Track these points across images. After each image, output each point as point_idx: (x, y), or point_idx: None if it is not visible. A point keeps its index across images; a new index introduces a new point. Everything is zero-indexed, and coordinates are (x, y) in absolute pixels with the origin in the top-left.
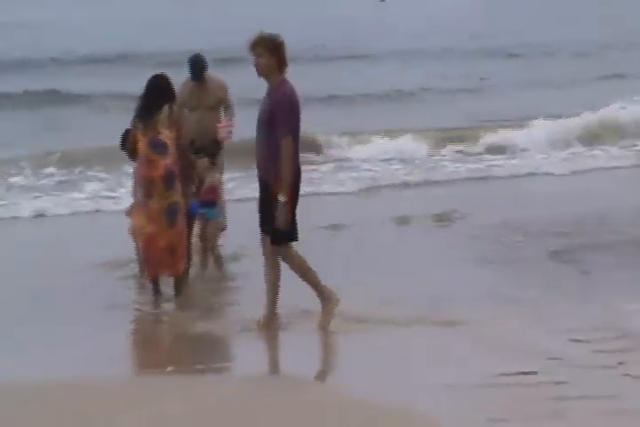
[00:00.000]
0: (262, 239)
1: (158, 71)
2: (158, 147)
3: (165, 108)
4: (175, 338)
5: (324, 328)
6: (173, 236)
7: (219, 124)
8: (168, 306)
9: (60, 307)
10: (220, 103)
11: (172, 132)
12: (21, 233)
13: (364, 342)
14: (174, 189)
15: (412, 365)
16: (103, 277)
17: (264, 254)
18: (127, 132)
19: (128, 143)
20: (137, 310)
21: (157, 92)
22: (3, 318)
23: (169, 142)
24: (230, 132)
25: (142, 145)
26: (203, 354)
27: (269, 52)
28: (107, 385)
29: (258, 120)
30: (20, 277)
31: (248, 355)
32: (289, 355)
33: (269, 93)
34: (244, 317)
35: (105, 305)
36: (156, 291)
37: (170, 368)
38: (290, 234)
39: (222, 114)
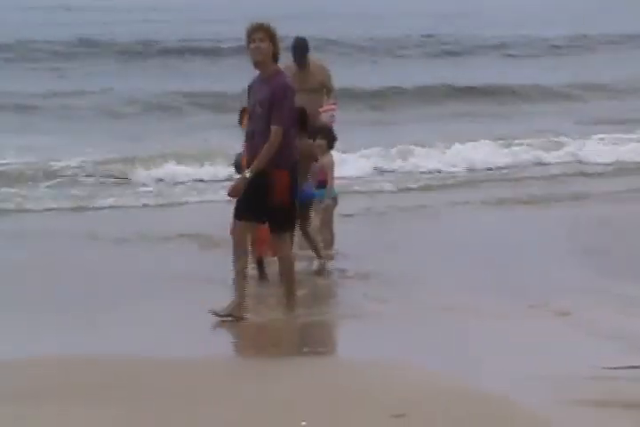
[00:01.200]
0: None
1: None
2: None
3: None
4: (279, 322)
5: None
6: None
7: (321, 109)
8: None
9: (173, 284)
10: (322, 87)
11: None
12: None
13: (464, 329)
14: None
15: (514, 354)
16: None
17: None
18: (243, 110)
19: (242, 120)
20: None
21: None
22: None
23: None
24: (333, 116)
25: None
26: (307, 338)
27: (270, 39)
28: (215, 364)
29: (253, 109)
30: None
31: (347, 340)
32: (385, 341)
33: (264, 81)
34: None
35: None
36: (261, 273)
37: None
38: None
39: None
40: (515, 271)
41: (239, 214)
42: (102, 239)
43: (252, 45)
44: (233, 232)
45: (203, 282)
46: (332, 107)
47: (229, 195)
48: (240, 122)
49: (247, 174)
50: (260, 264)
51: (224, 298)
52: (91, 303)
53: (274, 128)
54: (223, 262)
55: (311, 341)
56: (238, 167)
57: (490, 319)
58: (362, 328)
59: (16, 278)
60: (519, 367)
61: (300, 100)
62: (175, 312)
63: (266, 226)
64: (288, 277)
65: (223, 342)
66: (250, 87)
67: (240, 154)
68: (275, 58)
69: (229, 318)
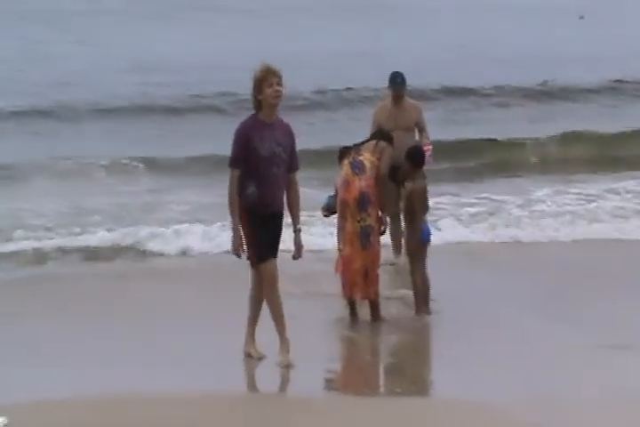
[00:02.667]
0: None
1: None
2: (357, 167)
3: (372, 141)
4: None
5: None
6: (367, 258)
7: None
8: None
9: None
10: (415, 125)
11: (373, 155)
12: None
13: (564, 370)
14: (367, 213)
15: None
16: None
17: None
18: (344, 151)
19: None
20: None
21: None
22: None
23: (368, 164)
24: (431, 156)
25: (345, 166)
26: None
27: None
28: (307, 400)
29: (273, 153)
30: None
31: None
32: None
33: (275, 126)
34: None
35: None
36: (352, 313)
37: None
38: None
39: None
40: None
41: (267, 255)
42: None
43: (271, 89)
44: (269, 272)
45: None
46: (429, 148)
47: (299, 257)
48: (340, 162)
49: (299, 227)
50: (352, 306)
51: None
52: None
53: (296, 173)
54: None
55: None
56: (329, 209)
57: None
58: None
59: None
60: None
61: (394, 138)
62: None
63: (358, 269)
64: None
65: (314, 379)
66: (253, 132)
67: (331, 197)
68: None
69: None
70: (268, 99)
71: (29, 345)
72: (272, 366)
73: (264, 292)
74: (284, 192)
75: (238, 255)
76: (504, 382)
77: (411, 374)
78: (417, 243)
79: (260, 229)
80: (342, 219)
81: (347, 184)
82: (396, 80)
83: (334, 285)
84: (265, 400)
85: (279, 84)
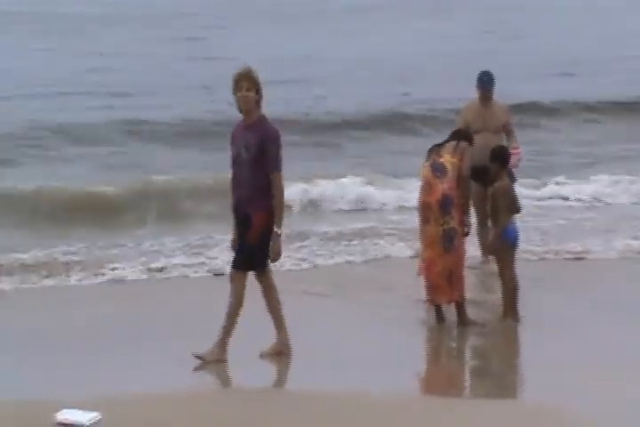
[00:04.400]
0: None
1: None
2: (438, 170)
3: (452, 142)
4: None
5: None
6: (450, 261)
7: (512, 151)
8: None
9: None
10: (503, 127)
11: (454, 157)
12: None
13: None
14: (450, 215)
15: None
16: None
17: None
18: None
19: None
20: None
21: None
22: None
23: (449, 167)
24: (519, 160)
25: (425, 169)
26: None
27: (255, 87)
28: (395, 402)
29: (238, 154)
30: None
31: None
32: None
33: (249, 128)
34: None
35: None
36: (438, 317)
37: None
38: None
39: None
40: None
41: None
42: None
43: (239, 94)
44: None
45: None
46: (519, 151)
47: (275, 260)
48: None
49: (279, 231)
50: (437, 309)
51: None
52: None
53: (274, 175)
54: None
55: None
56: None
57: None
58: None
59: None
60: None
61: (482, 139)
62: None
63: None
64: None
65: (400, 381)
66: (233, 134)
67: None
68: (258, 104)
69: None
70: (237, 103)
71: (119, 340)
72: (366, 368)
73: (274, 295)
74: (253, 194)
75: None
76: (590, 389)
77: (497, 377)
78: (502, 244)
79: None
80: (423, 222)
81: (428, 187)
82: (484, 79)
83: (418, 288)
84: (356, 401)
85: (248, 88)
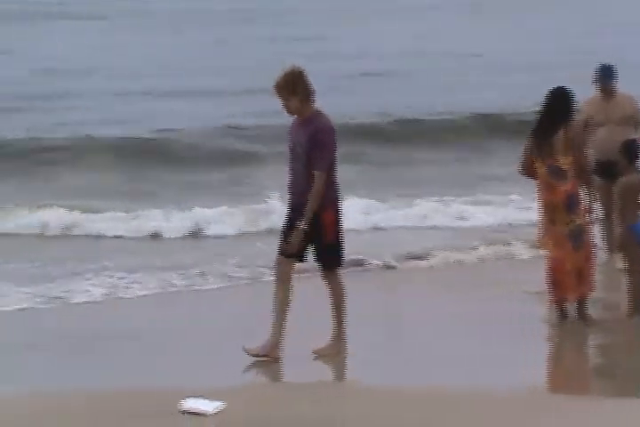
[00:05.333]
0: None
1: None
2: (557, 174)
3: (560, 132)
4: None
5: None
6: (579, 259)
7: None
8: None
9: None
10: (629, 119)
11: (568, 156)
12: None
13: None
14: (576, 213)
15: None
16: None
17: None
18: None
19: (521, 165)
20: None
21: (553, 113)
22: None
23: (566, 168)
24: None
25: (541, 171)
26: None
27: (292, 94)
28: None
29: (293, 149)
30: None
31: None
32: None
33: (302, 124)
34: None
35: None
36: (562, 315)
37: None
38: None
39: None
40: None
41: (290, 253)
42: None
43: (281, 104)
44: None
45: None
46: None
47: (288, 252)
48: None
49: (302, 226)
50: (561, 307)
51: None
52: None
53: (316, 174)
54: None
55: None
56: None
57: None
58: None
59: None
60: None
61: (606, 132)
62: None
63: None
64: (339, 308)
65: (522, 378)
66: (289, 130)
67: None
68: (308, 99)
69: (264, 359)
70: None
71: (244, 330)
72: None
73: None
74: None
75: None
76: None
77: (621, 375)
78: (630, 241)
79: None
80: (548, 221)
81: (550, 187)
82: (602, 74)
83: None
84: (473, 398)
85: (285, 98)
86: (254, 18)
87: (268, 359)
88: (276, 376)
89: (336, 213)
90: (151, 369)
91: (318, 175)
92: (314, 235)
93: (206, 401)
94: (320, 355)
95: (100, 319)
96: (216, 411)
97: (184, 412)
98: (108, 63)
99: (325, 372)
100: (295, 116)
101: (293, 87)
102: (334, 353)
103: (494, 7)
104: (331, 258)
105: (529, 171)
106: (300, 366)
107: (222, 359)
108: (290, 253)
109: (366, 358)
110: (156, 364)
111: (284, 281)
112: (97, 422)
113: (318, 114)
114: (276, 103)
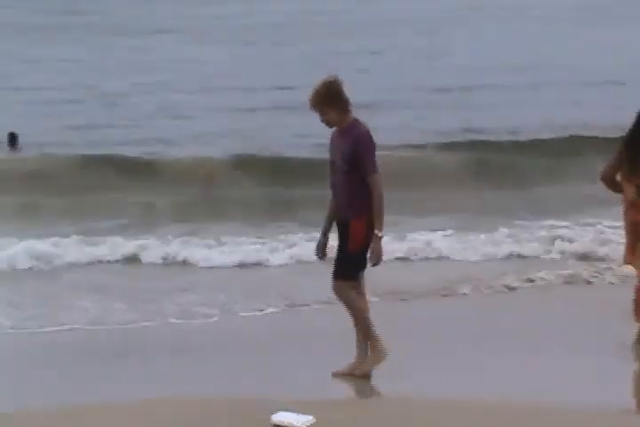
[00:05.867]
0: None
1: None
2: None
3: None
4: None
5: (357, 374)
6: None
7: None
8: None
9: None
10: None
11: None
12: None
13: None
14: None
15: None
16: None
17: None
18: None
19: (604, 175)
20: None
21: None
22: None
23: None
24: None
25: (629, 190)
26: None
27: (328, 106)
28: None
29: (333, 161)
30: None
31: None
32: None
33: (342, 134)
34: None
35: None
36: None
37: None
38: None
39: None
40: None
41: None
42: None
43: (319, 118)
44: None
45: None
46: None
47: (377, 264)
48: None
49: (380, 234)
50: None
51: None
52: None
53: (372, 177)
54: None
55: None
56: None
57: None
58: None
59: None
60: None
61: None
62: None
63: None
64: (362, 325)
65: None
66: (330, 141)
67: None
68: (346, 109)
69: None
70: None
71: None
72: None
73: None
74: (350, 199)
75: None
76: None
77: None
78: None
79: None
80: (636, 240)
81: (635, 207)
82: None
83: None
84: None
85: (322, 113)
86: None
87: (360, 374)
88: (365, 392)
89: (367, 223)
90: (243, 380)
91: (374, 178)
92: (340, 241)
93: (296, 415)
94: (338, 375)
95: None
96: (306, 425)
97: (274, 425)
98: None
99: (413, 389)
100: (334, 127)
101: (330, 100)
102: (358, 373)
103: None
104: (341, 267)
105: (609, 181)
106: (390, 382)
107: (314, 373)
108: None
109: (451, 373)
110: (248, 375)
111: (354, 299)
112: None
113: (356, 122)
114: None
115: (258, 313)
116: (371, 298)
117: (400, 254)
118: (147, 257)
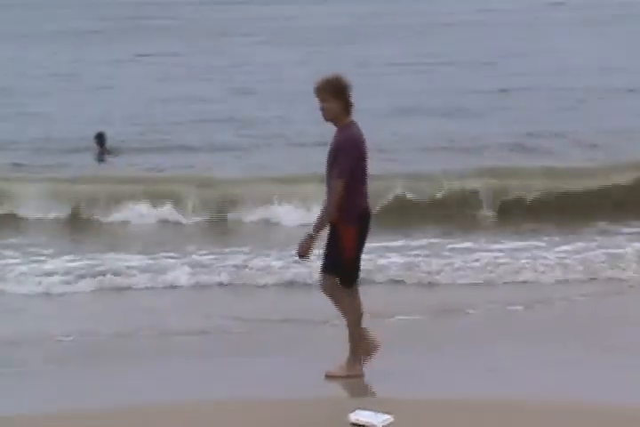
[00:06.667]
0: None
1: None
2: None
3: None
4: None
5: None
6: None
7: None
8: None
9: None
10: None
11: None
12: None
13: None
14: None
15: None
16: None
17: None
18: None
19: None
20: None
21: None
22: None
23: None
24: None
25: None
26: None
27: (333, 97)
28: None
29: (326, 163)
30: None
31: None
32: None
33: (335, 135)
34: None
35: None
36: None
37: None
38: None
39: None
40: None
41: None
42: None
43: (319, 107)
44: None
45: None
46: None
47: (298, 254)
48: None
49: (312, 234)
50: None
51: None
52: None
53: (335, 182)
54: None
55: None
56: None
57: None
58: None
59: None
60: None
61: None
62: None
63: None
64: (348, 323)
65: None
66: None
67: None
68: (348, 109)
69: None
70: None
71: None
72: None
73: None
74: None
75: None
76: None
77: None
78: None
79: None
80: None
81: None
82: None
83: None
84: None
85: (324, 99)
86: None
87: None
88: (442, 391)
89: (358, 230)
90: (320, 379)
91: (336, 183)
92: (331, 246)
93: (374, 414)
94: (330, 376)
95: None
96: (384, 424)
97: (353, 424)
98: None
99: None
100: (332, 123)
101: (335, 91)
102: (345, 375)
103: None
104: (331, 264)
105: None
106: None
107: (392, 371)
108: (300, 255)
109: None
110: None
111: (342, 297)
112: None
113: (351, 125)
114: None
115: None
116: None
117: None
118: None
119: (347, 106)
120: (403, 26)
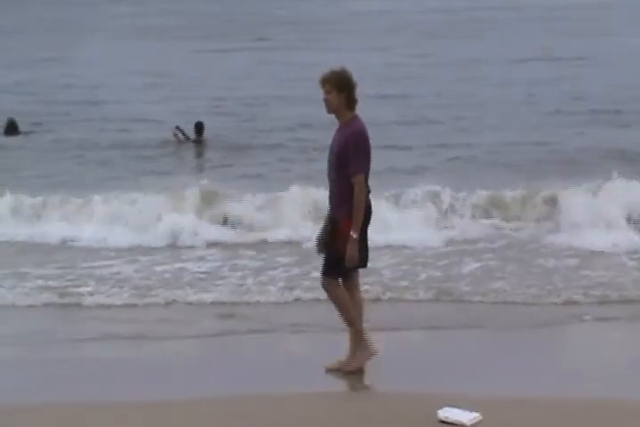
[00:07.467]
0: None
1: None
2: None
3: None
4: None
5: (342, 370)
6: None
7: None
8: None
9: None
10: None
11: None
12: None
13: None
14: None
15: None
16: None
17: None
18: None
19: None
20: None
21: None
22: None
23: None
24: None
25: None
26: None
27: (338, 89)
28: None
29: (329, 157)
30: None
31: None
32: None
33: (340, 129)
34: None
35: None
36: None
37: None
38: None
39: None
40: None
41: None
42: None
43: (323, 97)
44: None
45: None
46: None
47: (350, 265)
48: None
49: (355, 236)
50: None
51: None
52: None
53: (355, 178)
54: None
55: None
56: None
57: None
58: None
59: None
60: None
61: None
62: None
63: None
64: (346, 321)
65: None
66: (332, 139)
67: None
68: (351, 103)
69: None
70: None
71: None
72: None
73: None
74: (341, 198)
75: None
76: None
77: None
78: None
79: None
80: None
81: None
82: None
83: None
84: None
85: (329, 91)
86: None
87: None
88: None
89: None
90: (412, 374)
91: (356, 179)
92: (331, 246)
93: (463, 411)
94: (330, 370)
95: None
96: (472, 422)
97: (441, 421)
98: None
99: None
100: (334, 116)
101: (340, 83)
102: (347, 368)
103: None
104: (330, 266)
105: None
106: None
107: (482, 369)
108: (356, 265)
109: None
110: (418, 370)
111: (341, 295)
112: (361, 424)
113: (355, 119)
114: None
115: None
116: None
117: None
118: None
119: (349, 101)
120: None
